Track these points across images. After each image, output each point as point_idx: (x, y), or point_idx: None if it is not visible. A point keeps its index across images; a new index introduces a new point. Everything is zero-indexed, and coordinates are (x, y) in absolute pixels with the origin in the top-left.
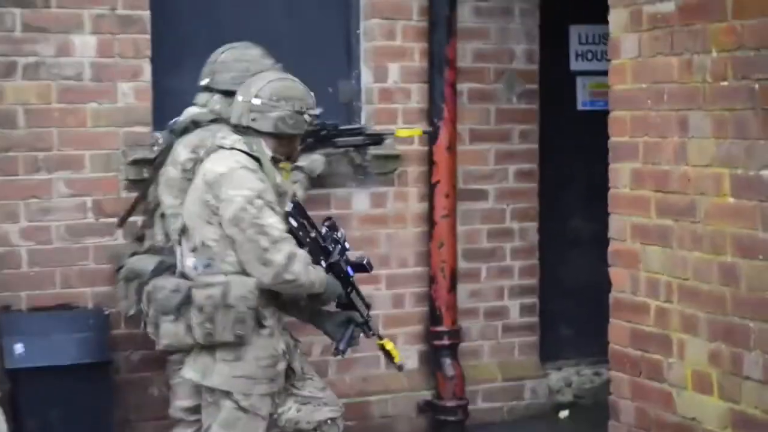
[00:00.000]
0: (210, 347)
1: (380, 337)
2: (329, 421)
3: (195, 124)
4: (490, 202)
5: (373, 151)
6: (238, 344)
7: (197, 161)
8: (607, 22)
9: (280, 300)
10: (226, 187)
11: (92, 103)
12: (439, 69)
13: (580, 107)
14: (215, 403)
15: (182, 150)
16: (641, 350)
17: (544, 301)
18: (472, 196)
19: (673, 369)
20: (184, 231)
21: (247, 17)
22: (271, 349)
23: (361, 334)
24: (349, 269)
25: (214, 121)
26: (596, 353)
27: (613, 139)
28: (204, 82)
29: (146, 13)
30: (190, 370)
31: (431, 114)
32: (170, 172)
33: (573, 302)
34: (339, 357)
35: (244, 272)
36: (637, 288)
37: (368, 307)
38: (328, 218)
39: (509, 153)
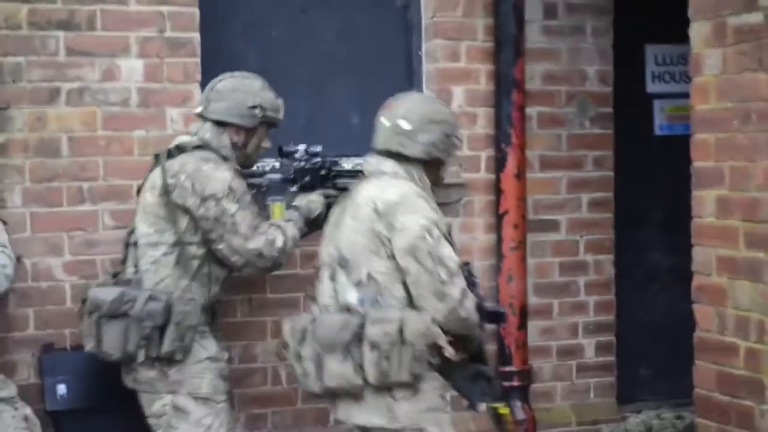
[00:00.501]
0: (385, 388)
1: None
2: None
3: (179, 150)
4: (562, 233)
5: None
6: (415, 384)
7: (176, 187)
8: (685, 42)
9: None
10: (401, 214)
11: (139, 130)
12: (507, 92)
13: (657, 132)
14: None
15: (161, 175)
16: (730, 395)
17: (622, 338)
18: (543, 226)
19: (766, 417)
20: (342, 263)
21: (302, 38)
22: (439, 378)
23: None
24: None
25: (199, 147)
26: (678, 395)
27: (696, 164)
28: (198, 110)
29: (196, 36)
30: (371, 415)
31: (498, 140)
32: (147, 198)
33: (652, 340)
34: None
35: (412, 307)
36: (725, 327)
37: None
38: (466, 263)
39: (582, 181)
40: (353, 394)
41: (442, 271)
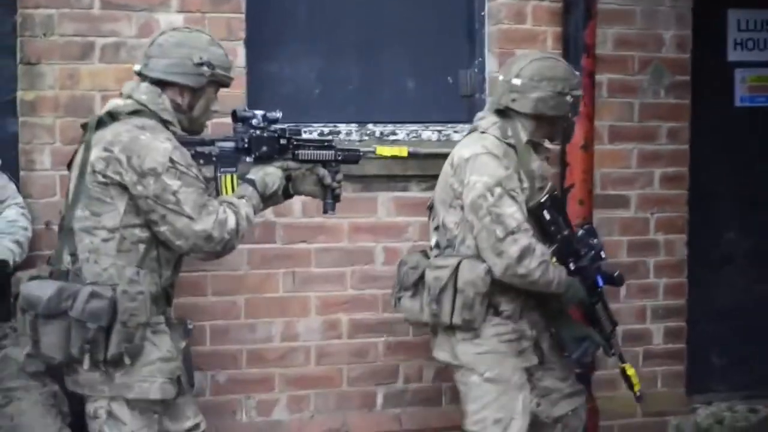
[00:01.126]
0: (450, 327)
1: (623, 360)
2: (570, 413)
3: (111, 117)
4: (631, 210)
5: None
6: (474, 327)
7: (109, 161)
8: None
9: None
10: (470, 172)
11: None
12: (575, 57)
13: (737, 103)
14: (465, 381)
15: (93, 148)
16: None
17: (693, 324)
18: (611, 203)
19: None
20: (431, 208)
21: None
22: (512, 325)
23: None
24: (599, 279)
25: (136, 112)
26: (753, 386)
27: None
28: (136, 67)
29: None
30: (439, 351)
31: None
32: (77, 175)
33: (726, 327)
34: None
35: (481, 257)
36: None
37: (614, 324)
38: (587, 222)
39: (655, 154)
40: (433, 331)
41: (498, 229)
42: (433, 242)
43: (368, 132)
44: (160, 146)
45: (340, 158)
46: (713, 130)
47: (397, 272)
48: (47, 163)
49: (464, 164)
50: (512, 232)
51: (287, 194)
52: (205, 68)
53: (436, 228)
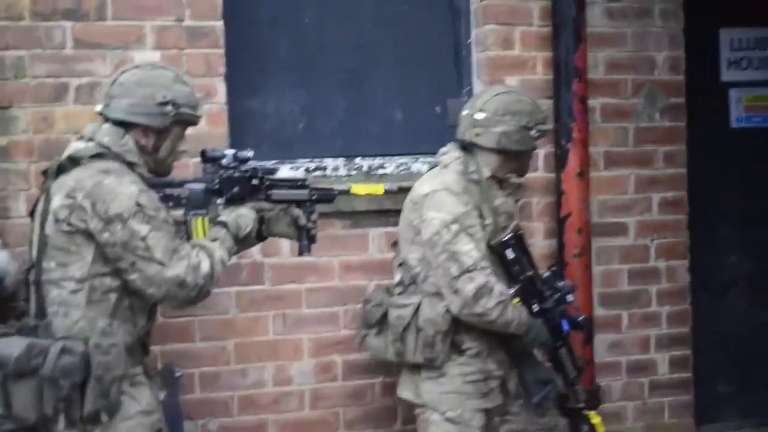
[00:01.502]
0: (415, 366)
1: (588, 407)
2: None
3: (72, 162)
4: (630, 237)
5: None
6: (437, 366)
7: (73, 209)
8: (764, 25)
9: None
10: (427, 208)
11: None
12: (567, 82)
13: (733, 124)
14: (425, 419)
15: (55, 196)
16: None
17: (699, 352)
18: (610, 230)
19: None
20: (395, 245)
21: (336, 26)
22: (479, 364)
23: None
24: (564, 323)
25: (98, 155)
26: (762, 413)
27: None
28: (98, 108)
29: (219, 24)
30: (404, 390)
31: (558, 135)
32: (39, 225)
33: (733, 353)
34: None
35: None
36: None
37: (579, 371)
38: (554, 264)
39: (652, 179)
40: (398, 370)
41: (453, 267)
42: (396, 279)
43: (356, 166)
44: (125, 190)
45: (314, 198)
46: (710, 152)
47: (362, 310)
48: (23, 210)
49: (422, 200)
50: (468, 270)
51: (260, 236)
52: (169, 107)
53: (400, 264)
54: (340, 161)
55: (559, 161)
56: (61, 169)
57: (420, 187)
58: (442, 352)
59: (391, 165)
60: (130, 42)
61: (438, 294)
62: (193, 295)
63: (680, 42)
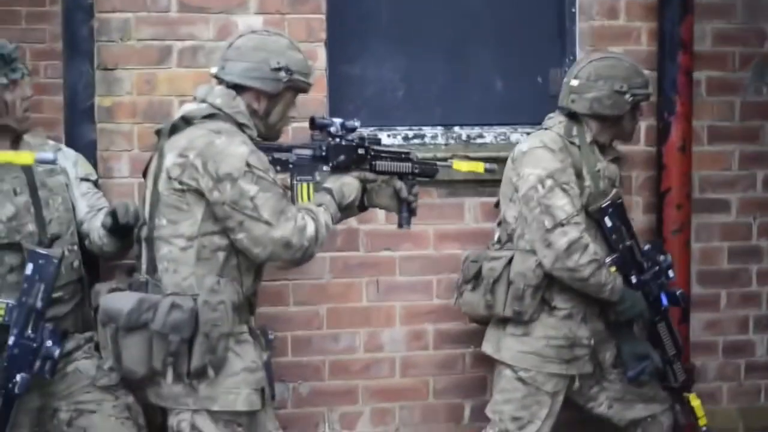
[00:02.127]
0: (502, 321)
1: (688, 389)
2: (648, 419)
3: (185, 122)
4: (732, 214)
5: None
6: (525, 321)
7: (185, 167)
8: None
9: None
10: (525, 165)
11: None
12: (672, 53)
13: None
14: (499, 373)
15: (168, 154)
16: None
17: None
18: (711, 207)
19: None
20: (497, 205)
21: None
22: (566, 330)
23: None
24: (663, 297)
25: (210, 116)
26: None
27: None
28: (213, 70)
29: None
30: (486, 344)
31: (661, 108)
32: (153, 183)
33: None
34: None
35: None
36: None
37: (679, 349)
38: (655, 239)
39: (758, 155)
40: (486, 323)
41: (547, 219)
42: (495, 237)
43: (454, 135)
44: (236, 150)
45: (417, 171)
46: None
47: (461, 267)
48: (125, 170)
49: (521, 157)
50: (561, 224)
51: (362, 206)
52: (282, 73)
53: (499, 223)
54: (439, 130)
55: (660, 135)
56: (174, 129)
57: (520, 146)
58: (531, 307)
59: (489, 134)
60: (232, 6)
61: (532, 251)
62: (298, 256)
63: None
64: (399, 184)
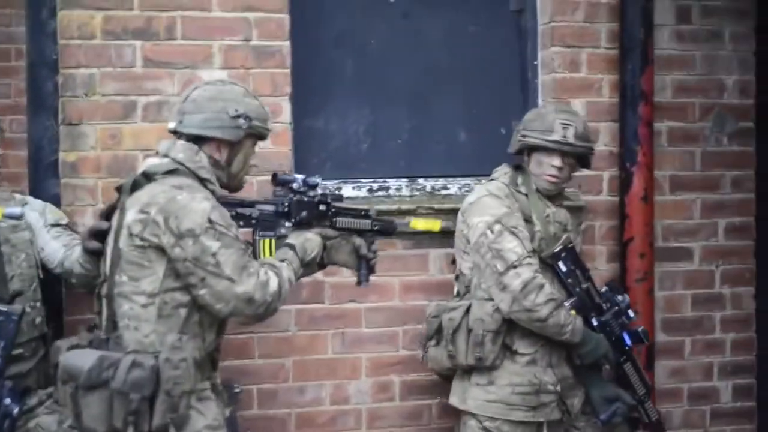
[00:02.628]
0: (467, 371)
1: (662, 429)
2: None
3: (146, 178)
4: (695, 262)
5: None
6: (488, 368)
7: (147, 224)
8: None
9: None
10: (473, 215)
11: None
12: (633, 105)
13: None
14: (464, 423)
15: (129, 211)
16: None
17: (763, 381)
18: (674, 255)
19: None
20: (454, 261)
21: (402, 46)
22: (530, 376)
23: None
24: (625, 336)
25: (172, 171)
26: None
27: None
28: (171, 125)
29: (285, 44)
30: (452, 395)
31: (623, 158)
32: (113, 240)
33: None
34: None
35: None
36: None
37: (648, 388)
38: (612, 280)
39: (719, 204)
40: (448, 384)
41: (499, 263)
42: (455, 291)
43: (419, 187)
44: (198, 206)
45: (376, 228)
46: None
47: (425, 325)
48: (89, 224)
49: (469, 208)
50: (513, 266)
51: (321, 264)
52: (242, 120)
53: (457, 277)
54: (404, 182)
55: (623, 184)
56: (135, 185)
57: (468, 198)
58: (492, 353)
59: (454, 186)
60: (198, 61)
61: (489, 299)
62: (260, 311)
63: (751, 65)
64: (358, 241)
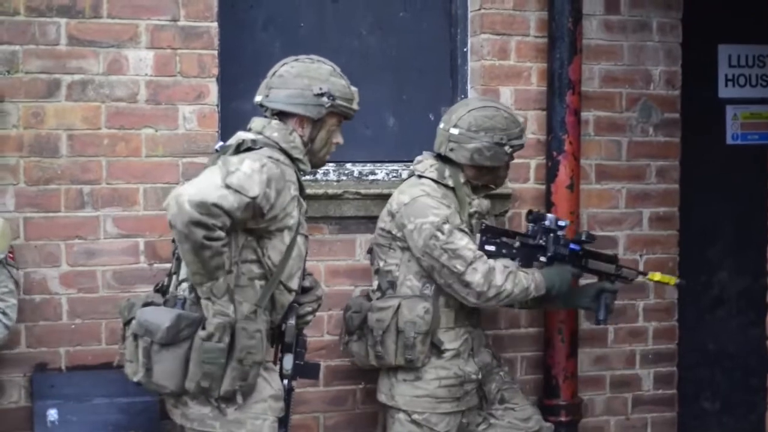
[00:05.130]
0: (393, 368)
1: (644, 274)
2: None
3: (238, 149)
4: (620, 251)
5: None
6: (414, 368)
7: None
8: (762, 42)
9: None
10: (413, 216)
11: (148, 128)
12: (560, 94)
13: (729, 141)
14: (392, 417)
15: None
16: None
17: (684, 369)
18: (599, 244)
19: None
20: (371, 251)
21: (331, 31)
22: (455, 368)
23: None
24: (573, 246)
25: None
26: None
27: None
28: (258, 98)
29: (213, 25)
30: (380, 393)
31: (550, 146)
32: None
33: (719, 371)
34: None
35: (423, 297)
36: None
37: (614, 259)
38: (530, 211)
39: (644, 194)
40: (377, 372)
41: (458, 263)
42: (374, 285)
43: (346, 172)
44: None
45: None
46: (704, 169)
47: (342, 317)
48: (10, 204)
49: (404, 209)
50: (471, 263)
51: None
52: (325, 99)
53: (377, 271)
54: (331, 166)
55: (549, 173)
56: (225, 152)
57: (399, 197)
58: (423, 353)
59: (381, 171)
60: (123, 40)
61: (417, 296)
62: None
63: (677, 57)
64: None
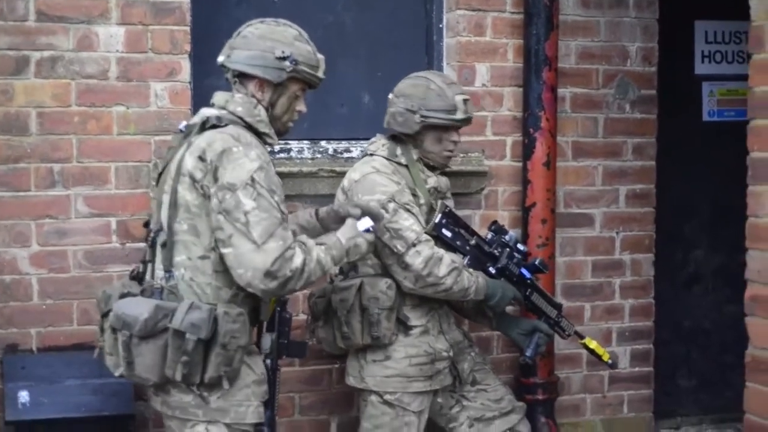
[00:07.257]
0: (362, 350)
1: (580, 336)
2: (508, 431)
3: (202, 127)
4: (596, 229)
5: (456, 167)
6: (383, 345)
7: (206, 171)
8: (739, 18)
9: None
10: (361, 193)
11: (119, 106)
12: (537, 70)
13: (705, 118)
14: (364, 399)
15: (188, 157)
16: None
17: (660, 346)
18: (575, 221)
19: None
20: None
21: (306, 7)
22: (425, 346)
23: (556, 336)
24: (524, 271)
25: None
26: (722, 409)
27: (754, 155)
28: (220, 59)
29: (185, 1)
30: (349, 377)
31: (526, 123)
32: (174, 186)
33: (695, 349)
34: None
35: (385, 274)
36: None
37: (558, 307)
38: (494, 222)
39: (620, 171)
40: (345, 356)
41: (399, 243)
42: (336, 269)
43: (321, 149)
44: (247, 163)
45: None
46: (681, 146)
47: (308, 304)
48: None
49: (354, 186)
50: (413, 245)
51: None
52: (287, 63)
53: None
54: (305, 144)
55: (525, 150)
56: (191, 132)
57: (351, 174)
58: (389, 330)
59: (356, 149)
60: (94, 16)
61: (379, 274)
62: (273, 287)
63: (654, 33)
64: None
